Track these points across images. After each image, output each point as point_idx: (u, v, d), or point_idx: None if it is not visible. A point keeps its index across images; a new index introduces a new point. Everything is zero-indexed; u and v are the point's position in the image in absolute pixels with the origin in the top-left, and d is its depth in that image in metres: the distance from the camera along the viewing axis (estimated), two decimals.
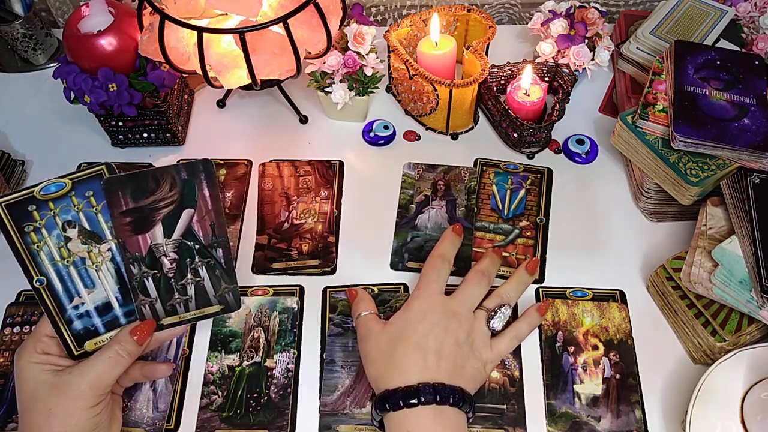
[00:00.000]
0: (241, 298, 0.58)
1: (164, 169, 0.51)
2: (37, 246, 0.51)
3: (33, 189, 0.50)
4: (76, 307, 0.52)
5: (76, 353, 0.53)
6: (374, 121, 0.84)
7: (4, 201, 0.50)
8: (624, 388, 0.63)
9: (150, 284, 0.52)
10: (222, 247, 0.53)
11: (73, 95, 0.74)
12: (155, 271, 0.52)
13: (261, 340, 0.66)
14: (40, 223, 0.51)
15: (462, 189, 0.77)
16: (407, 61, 0.77)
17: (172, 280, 0.53)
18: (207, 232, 0.52)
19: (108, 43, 0.71)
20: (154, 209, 0.51)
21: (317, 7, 0.68)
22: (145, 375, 0.58)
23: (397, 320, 0.60)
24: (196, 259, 0.53)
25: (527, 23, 0.88)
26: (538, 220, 0.75)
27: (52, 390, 0.50)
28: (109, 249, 0.52)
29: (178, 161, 0.81)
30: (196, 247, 0.52)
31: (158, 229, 0.52)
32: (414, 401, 0.53)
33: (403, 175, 0.79)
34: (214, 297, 0.55)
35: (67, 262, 0.52)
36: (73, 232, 0.51)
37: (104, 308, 0.53)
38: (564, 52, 0.82)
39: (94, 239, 0.52)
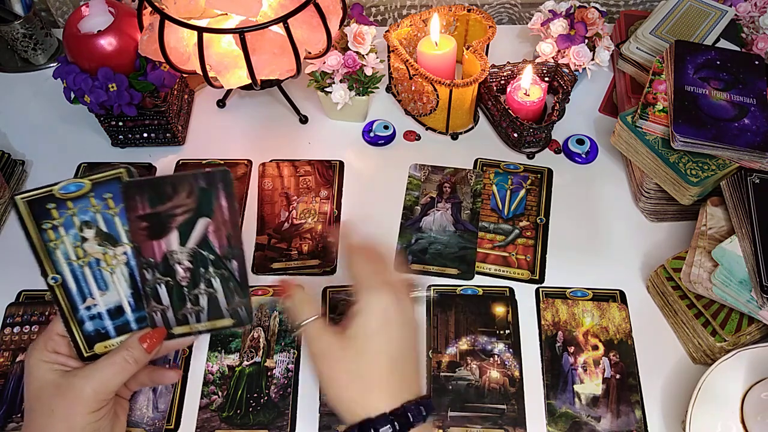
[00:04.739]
0: None
1: (183, 176, 0.51)
2: (54, 244, 0.51)
3: (53, 187, 0.50)
4: (88, 308, 0.52)
5: (85, 354, 0.53)
6: (374, 121, 0.84)
7: (25, 197, 0.50)
8: (624, 388, 0.63)
9: (163, 291, 0.52)
10: (237, 260, 0.52)
11: (73, 95, 0.74)
12: (168, 279, 0.52)
13: (261, 340, 0.66)
14: (58, 222, 0.51)
15: (468, 192, 0.77)
16: (407, 61, 0.77)
17: (185, 288, 0.52)
18: (223, 243, 0.52)
19: (108, 43, 0.71)
20: (171, 216, 0.51)
21: (317, 7, 0.68)
22: (153, 380, 0.58)
23: (357, 329, 0.50)
24: (210, 270, 0.52)
25: (527, 23, 0.88)
26: (538, 220, 0.75)
27: (56, 391, 0.50)
28: (125, 253, 0.52)
29: (179, 161, 0.82)
30: (211, 257, 0.52)
31: (174, 236, 0.51)
32: (405, 424, 0.47)
33: (408, 177, 0.79)
34: (226, 310, 0.54)
35: (82, 262, 0.52)
36: (89, 233, 0.51)
37: (116, 312, 0.53)
38: (564, 52, 0.82)
39: (110, 241, 0.52)
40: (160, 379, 0.58)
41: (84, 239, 0.51)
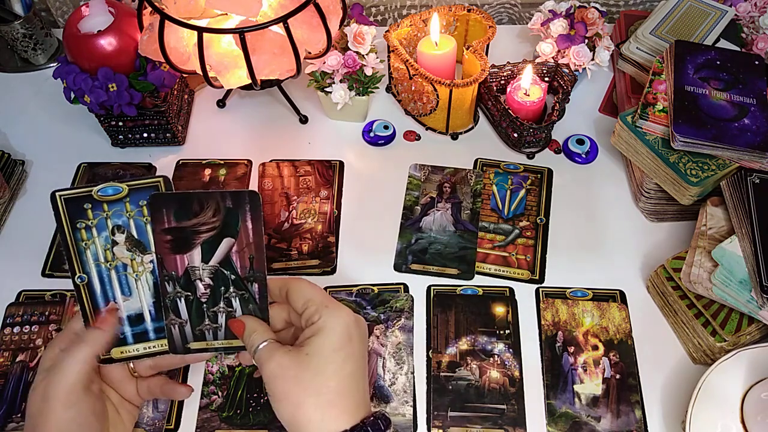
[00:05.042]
0: None
1: (210, 194, 0.51)
2: (86, 243, 0.52)
3: (92, 188, 0.51)
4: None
5: (101, 357, 0.53)
6: (374, 121, 0.84)
7: (64, 195, 0.51)
8: (624, 388, 0.63)
9: (182, 305, 0.53)
10: (258, 283, 0.53)
11: (73, 95, 0.74)
12: (189, 293, 0.52)
13: None
14: (92, 222, 0.51)
15: (468, 192, 0.77)
16: (407, 61, 0.77)
17: (204, 305, 0.53)
18: (245, 264, 0.52)
19: (108, 43, 0.71)
20: (196, 232, 0.52)
21: (317, 7, 0.68)
22: (164, 393, 0.57)
23: (316, 347, 0.49)
24: (231, 290, 0.53)
25: (527, 23, 0.88)
26: (538, 220, 0.75)
27: (34, 393, 0.50)
28: (152, 261, 0.52)
29: (179, 161, 0.82)
30: (232, 277, 0.52)
31: (197, 253, 0.52)
32: None
33: (408, 177, 0.79)
34: None
35: (110, 265, 0.52)
36: (120, 237, 0.52)
37: (136, 319, 0.53)
38: (564, 52, 0.82)
39: (139, 248, 0.52)
40: (171, 393, 0.57)
41: (114, 243, 0.52)
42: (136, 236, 0.52)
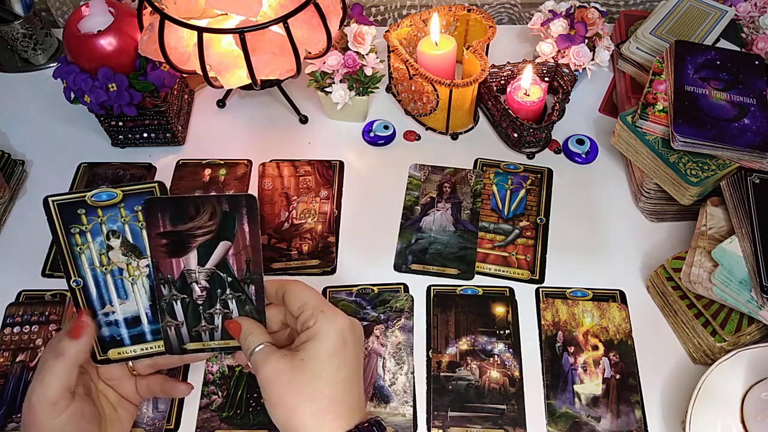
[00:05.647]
0: None
1: (206, 198, 0.52)
2: (80, 248, 0.52)
3: (85, 193, 0.51)
4: (106, 314, 0.53)
5: (98, 357, 0.54)
6: (374, 121, 0.84)
7: (57, 200, 0.51)
8: (624, 388, 0.63)
9: (178, 308, 0.53)
10: (255, 285, 0.53)
11: (73, 95, 0.74)
12: (185, 296, 0.52)
13: None
14: (86, 227, 0.52)
15: (468, 192, 0.77)
16: (407, 61, 0.77)
17: (201, 307, 0.53)
18: (242, 267, 0.52)
19: (108, 43, 0.71)
20: (191, 236, 0.52)
21: (317, 7, 0.68)
22: (164, 391, 0.57)
23: (311, 353, 0.49)
24: (227, 292, 0.53)
25: (527, 23, 0.88)
26: (538, 220, 0.75)
27: (25, 401, 0.50)
28: (147, 265, 0.53)
29: (179, 161, 0.82)
30: (229, 279, 0.53)
31: (193, 256, 0.52)
32: None
33: (408, 177, 0.79)
34: None
35: (106, 269, 0.52)
36: (116, 242, 0.52)
37: (133, 321, 0.54)
38: (564, 52, 0.82)
39: (134, 253, 0.52)
40: (171, 391, 0.57)
41: (110, 247, 0.52)
42: (131, 241, 0.52)
